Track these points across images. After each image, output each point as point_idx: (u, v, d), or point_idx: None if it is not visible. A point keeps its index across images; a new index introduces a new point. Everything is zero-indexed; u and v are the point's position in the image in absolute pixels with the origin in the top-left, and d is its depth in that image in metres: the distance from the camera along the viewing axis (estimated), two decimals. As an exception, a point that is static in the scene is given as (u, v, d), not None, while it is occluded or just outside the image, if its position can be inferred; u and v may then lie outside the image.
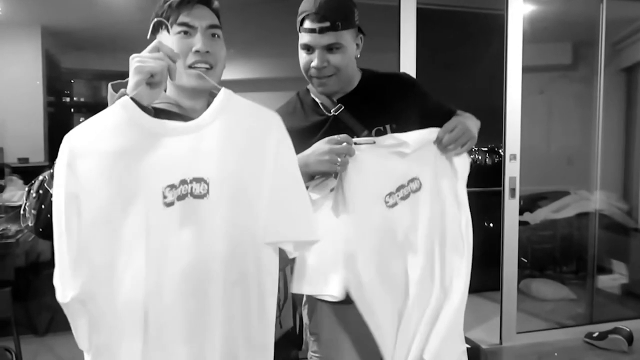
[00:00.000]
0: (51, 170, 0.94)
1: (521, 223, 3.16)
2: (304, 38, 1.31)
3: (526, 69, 3.03)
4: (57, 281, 0.83)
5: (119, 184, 0.86)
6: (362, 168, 1.19)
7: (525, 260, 3.65)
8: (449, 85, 3.52)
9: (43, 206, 0.94)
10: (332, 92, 1.37)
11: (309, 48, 1.31)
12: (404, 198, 1.24)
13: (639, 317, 3.35)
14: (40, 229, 0.96)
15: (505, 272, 3.05)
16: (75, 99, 3.86)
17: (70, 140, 0.85)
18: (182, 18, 1.09)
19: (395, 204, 1.23)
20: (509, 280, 3.06)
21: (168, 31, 1.10)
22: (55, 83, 3.72)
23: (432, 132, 1.27)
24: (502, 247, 3.05)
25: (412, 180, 1.25)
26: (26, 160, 3.32)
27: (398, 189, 1.23)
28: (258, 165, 0.96)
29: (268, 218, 0.96)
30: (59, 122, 3.67)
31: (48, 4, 3.52)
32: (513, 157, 3.00)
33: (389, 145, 1.23)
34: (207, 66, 1.10)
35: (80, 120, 3.11)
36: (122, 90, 0.96)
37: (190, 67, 1.08)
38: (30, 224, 0.97)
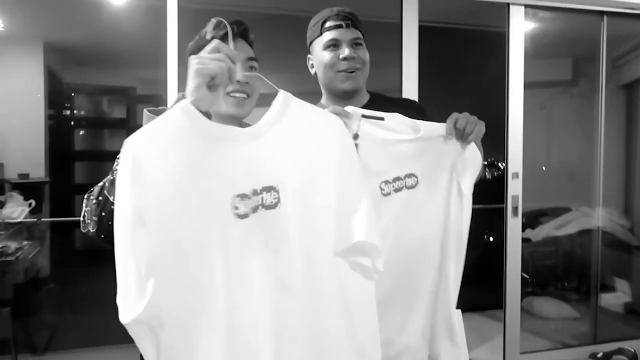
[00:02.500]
0: (111, 177, 0.96)
1: (523, 240, 3.15)
2: (330, 35, 1.38)
3: (527, 85, 3.04)
4: (119, 300, 0.78)
5: (187, 195, 0.80)
6: (362, 145, 1.14)
7: (527, 277, 3.63)
8: (451, 101, 3.52)
9: (103, 213, 0.94)
10: (357, 88, 1.41)
11: (335, 44, 1.37)
12: (397, 190, 1.20)
13: (643, 337, 3.33)
14: (102, 236, 0.96)
15: (508, 291, 3.03)
16: (75, 112, 3.86)
17: (132, 148, 0.79)
18: None
19: (388, 194, 1.18)
20: (512, 300, 3.03)
21: None
22: (57, 98, 3.72)
23: (441, 126, 1.23)
24: (505, 266, 3.03)
25: (409, 175, 1.21)
26: (26, 176, 3.30)
27: (394, 180, 1.19)
28: (324, 171, 0.92)
29: (338, 228, 0.91)
30: (59, 137, 3.66)
31: (50, 21, 3.53)
32: (515, 175, 3.00)
33: (398, 123, 1.19)
34: (245, 95, 1.15)
35: (81, 133, 3.07)
36: (180, 94, 0.95)
37: (228, 94, 1.11)
38: (92, 230, 0.98)
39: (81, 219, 1.01)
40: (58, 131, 3.68)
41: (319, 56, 1.40)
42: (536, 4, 3.02)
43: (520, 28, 3.01)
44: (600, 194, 3.44)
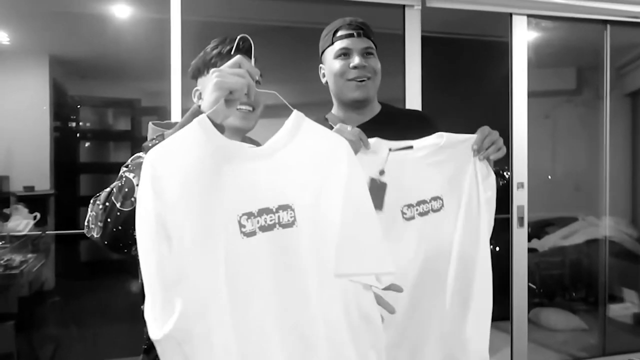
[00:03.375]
0: (119, 183, 0.96)
1: (529, 250, 3.12)
2: (341, 44, 1.37)
3: (531, 94, 3.03)
4: (148, 315, 0.77)
5: (199, 211, 0.80)
6: (387, 178, 1.13)
7: (534, 287, 3.60)
8: (455, 111, 3.52)
9: (109, 219, 0.94)
10: (367, 97, 1.39)
11: (346, 53, 1.37)
12: (422, 214, 1.17)
13: (652, 348, 3.28)
14: (106, 242, 0.96)
15: (515, 302, 3.00)
16: (80, 124, 3.88)
17: (152, 163, 0.80)
18: None
19: (412, 218, 1.16)
20: (519, 311, 3.00)
21: None
22: (62, 111, 3.74)
23: (465, 137, 1.22)
24: (512, 277, 3.00)
25: (435, 198, 1.18)
26: (32, 188, 3.31)
27: (419, 204, 1.16)
28: (333, 190, 0.92)
29: (339, 249, 0.91)
30: (65, 150, 3.68)
31: (56, 34, 3.57)
32: (521, 185, 2.98)
33: (425, 146, 1.17)
34: (250, 109, 1.18)
35: (86, 145, 3.09)
36: (195, 105, 0.95)
37: None
38: (96, 236, 0.97)
39: (85, 223, 1.01)
40: (63, 144, 3.69)
41: (330, 65, 1.40)
42: (538, 14, 3.03)
43: (523, 37, 3.01)
44: (606, 203, 3.41)
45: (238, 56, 0.93)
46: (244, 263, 0.83)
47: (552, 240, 3.83)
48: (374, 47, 1.40)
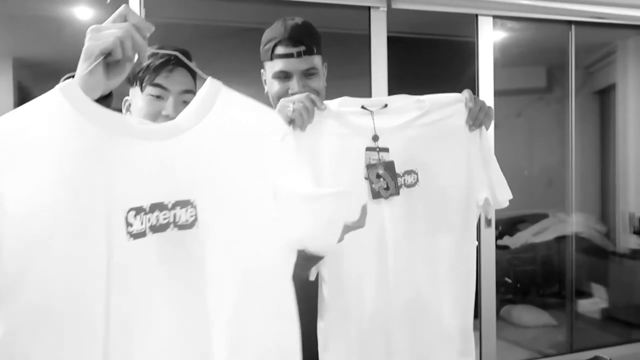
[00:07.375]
0: None
1: (502, 247, 3.14)
2: (278, 65, 1.27)
3: (503, 93, 3.05)
4: None
5: (60, 214, 0.60)
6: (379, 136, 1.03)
7: (510, 281, 3.63)
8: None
9: None
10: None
11: (285, 75, 1.28)
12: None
13: (619, 344, 3.33)
14: None
15: (483, 301, 3.01)
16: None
17: None
18: (158, 80, 1.05)
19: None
20: (487, 310, 3.02)
21: (141, 89, 1.07)
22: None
23: (450, 98, 1.12)
24: (480, 276, 3.02)
25: (408, 172, 1.07)
26: (-5, 195, 3.23)
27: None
28: (257, 176, 0.74)
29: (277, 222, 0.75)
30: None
31: (19, 37, 3.49)
32: (488, 184, 3.00)
33: (403, 105, 1.07)
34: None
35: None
36: (63, 80, 0.78)
37: None
38: None
39: None
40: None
41: (270, 82, 1.33)
42: (504, 15, 3.04)
43: (489, 38, 3.02)
44: (572, 200, 3.45)
45: (123, 6, 0.75)
46: (130, 273, 0.65)
47: (523, 237, 3.87)
48: (315, 66, 1.29)
